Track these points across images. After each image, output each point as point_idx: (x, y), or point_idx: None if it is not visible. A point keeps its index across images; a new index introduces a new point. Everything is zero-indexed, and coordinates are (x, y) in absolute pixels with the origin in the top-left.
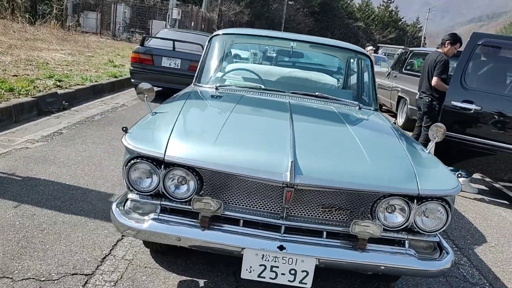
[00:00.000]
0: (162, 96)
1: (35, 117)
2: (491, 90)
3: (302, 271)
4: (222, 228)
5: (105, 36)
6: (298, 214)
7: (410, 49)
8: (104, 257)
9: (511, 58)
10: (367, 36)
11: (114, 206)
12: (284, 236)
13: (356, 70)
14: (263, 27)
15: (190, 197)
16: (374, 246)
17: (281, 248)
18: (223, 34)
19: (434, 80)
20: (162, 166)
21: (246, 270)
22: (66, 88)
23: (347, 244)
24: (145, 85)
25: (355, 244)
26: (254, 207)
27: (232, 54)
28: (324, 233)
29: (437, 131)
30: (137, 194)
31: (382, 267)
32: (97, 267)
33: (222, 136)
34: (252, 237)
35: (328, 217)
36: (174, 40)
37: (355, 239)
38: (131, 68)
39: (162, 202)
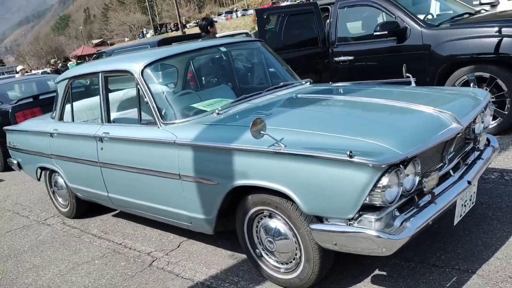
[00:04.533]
0: None
1: None
2: None
3: (473, 192)
4: (438, 195)
5: None
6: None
7: None
8: None
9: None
10: None
11: (375, 233)
12: (455, 175)
13: (262, 57)
14: None
15: (414, 184)
16: None
17: (469, 183)
18: (151, 63)
19: None
20: (401, 167)
21: (456, 217)
22: None
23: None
24: (255, 121)
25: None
26: (429, 166)
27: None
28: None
29: None
30: (376, 212)
31: None
32: None
33: (388, 122)
34: (449, 188)
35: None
36: None
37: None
38: None
39: (397, 204)
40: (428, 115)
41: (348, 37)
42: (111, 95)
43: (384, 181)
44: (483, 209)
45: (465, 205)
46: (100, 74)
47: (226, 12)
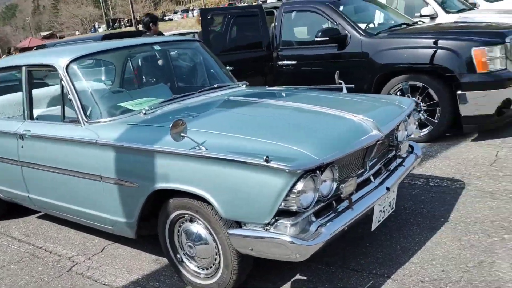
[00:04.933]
0: None
1: None
2: None
3: (393, 199)
4: (356, 201)
5: None
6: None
7: None
8: None
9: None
10: None
11: (289, 238)
12: (375, 181)
13: (201, 57)
14: None
15: (331, 190)
16: None
17: (388, 189)
18: (77, 58)
19: None
20: (318, 173)
21: (374, 222)
22: None
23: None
24: (176, 122)
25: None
26: (349, 172)
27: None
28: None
29: None
30: (292, 217)
31: None
32: None
33: (310, 127)
34: (368, 194)
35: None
36: None
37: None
38: None
39: (314, 210)
40: (350, 121)
41: (292, 42)
42: (40, 90)
43: (299, 186)
44: (406, 214)
45: (383, 211)
46: (23, 67)
47: (182, 11)
